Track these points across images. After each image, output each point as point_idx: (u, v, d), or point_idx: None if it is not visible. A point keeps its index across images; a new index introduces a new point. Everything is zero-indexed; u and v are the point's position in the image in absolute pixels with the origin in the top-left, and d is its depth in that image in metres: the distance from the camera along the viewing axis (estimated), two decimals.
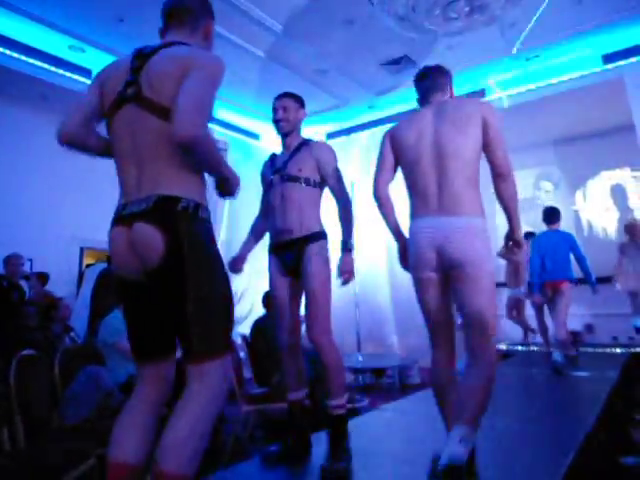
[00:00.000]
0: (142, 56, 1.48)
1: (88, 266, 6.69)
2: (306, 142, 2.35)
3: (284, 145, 2.41)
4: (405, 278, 7.62)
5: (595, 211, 7.65)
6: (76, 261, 6.86)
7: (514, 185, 1.94)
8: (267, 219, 2.44)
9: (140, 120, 1.37)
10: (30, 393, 2.51)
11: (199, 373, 1.31)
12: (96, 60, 5.86)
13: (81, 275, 6.59)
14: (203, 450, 1.29)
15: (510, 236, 1.97)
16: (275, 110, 2.36)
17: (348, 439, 2.03)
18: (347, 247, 2.13)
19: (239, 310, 7.38)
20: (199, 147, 1.28)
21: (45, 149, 6.34)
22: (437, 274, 1.86)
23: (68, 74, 5.75)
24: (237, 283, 7.55)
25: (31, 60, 5.42)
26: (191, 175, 1.40)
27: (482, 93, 6.79)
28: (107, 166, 6.65)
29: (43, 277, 5.38)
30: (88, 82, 5.98)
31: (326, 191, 2.33)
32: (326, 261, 2.19)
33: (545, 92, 6.33)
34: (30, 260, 5.24)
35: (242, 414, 3.46)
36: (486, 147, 1.90)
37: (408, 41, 5.44)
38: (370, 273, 7.19)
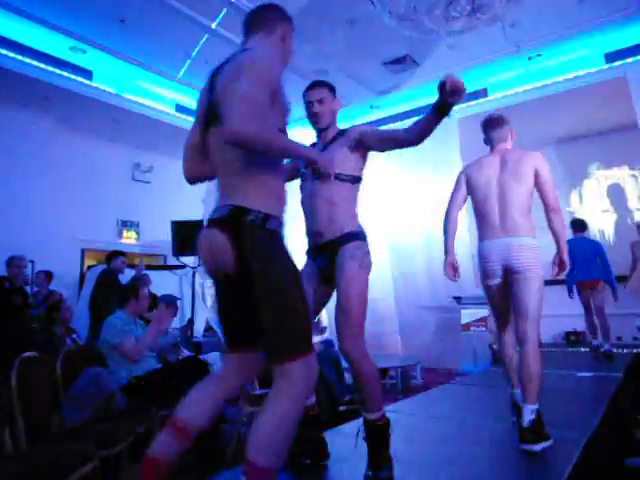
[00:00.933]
0: (215, 73, 1.59)
1: (89, 268, 6.70)
2: (343, 131, 2.14)
3: (318, 139, 2.20)
4: (408, 280, 7.65)
5: (599, 210, 7.62)
6: (77, 263, 6.87)
7: (563, 218, 2.50)
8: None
9: (219, 135, 1.45)
10: (32, 395, 2.50)
11: (281, 373, 1.39)
12: (97, 61, 5.87)
13: (82, 277, 6.59)
14: (288, 447, 1.36)
15: (560, 256, 2.48)
16: (310, 104, 2.12)
17: (389, 448, 1.85)
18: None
19: None
20: (250, 144, 1.32)
21: (47, 151, 6.37)
22: (502, 280, 2.48)
23: (69, 75, 5.76)
24: None
25: (32, 62, 5.43)
26: (263, 186, 1.47)
27: (484, 92, 6.77)
28: (107, 169, 6.68)
29: (49, 275, 5.40)
30: (89, 83, 6.00)
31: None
32: (362, 264, 1.92)
33: (547, 91, 6.30)
34: (32, 262, 5.24)
35: (245, 415, 3.45)
36: (539, 189, 2.48)
37: (410, 40, 5.42)
38: (373, 274, 7.16)
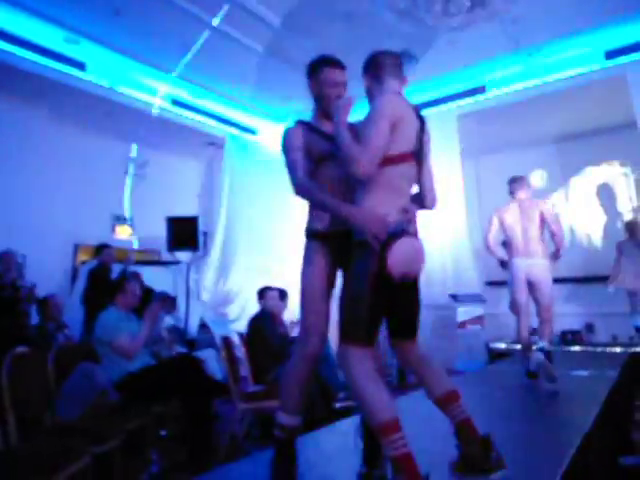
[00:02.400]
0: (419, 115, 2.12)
1: (82, 263, 6.65)
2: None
3: (320, 121, 2.04)
4: None
5: (595, 208, 7.63)
6: (70, 258, 6.81)
7: (562, 236, 4.03)
8: None
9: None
10: (23, 390, 2.47)
11: None
12: (91, 53, 5.79)
13: (75, 272, 6.54)
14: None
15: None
16: (339, 86, 2.02)
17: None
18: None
19: (234, 308, 7.35)
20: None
21: (39, 144, 6.30)
22: (526, 286, 3.91)
23: (61, 67, 5.66)
24: (232, 281, 7.52)
25: (25, 53, 5.35)
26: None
27: (483, 89, 6.75)
28: (101, 163, 6.60)
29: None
30: (82, 76, 5.92)
31: None
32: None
33: (546, 89, 6.28)
34: (24, 256, 5.18)
35: (238, 412, 3.43)
36: (548, 226, 3.95)
37: (409, 36, 5.40)
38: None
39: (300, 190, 1.82)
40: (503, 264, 4.13)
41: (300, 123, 2.02)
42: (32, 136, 6.13)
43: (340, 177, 1.86)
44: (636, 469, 2.57)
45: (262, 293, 4.49)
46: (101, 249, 5.34)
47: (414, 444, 1.82)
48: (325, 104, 1.98)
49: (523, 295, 3.91)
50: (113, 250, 5.45)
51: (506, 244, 4.11)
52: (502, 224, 4.07)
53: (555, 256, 3.92)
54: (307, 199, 1.83)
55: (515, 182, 4.17)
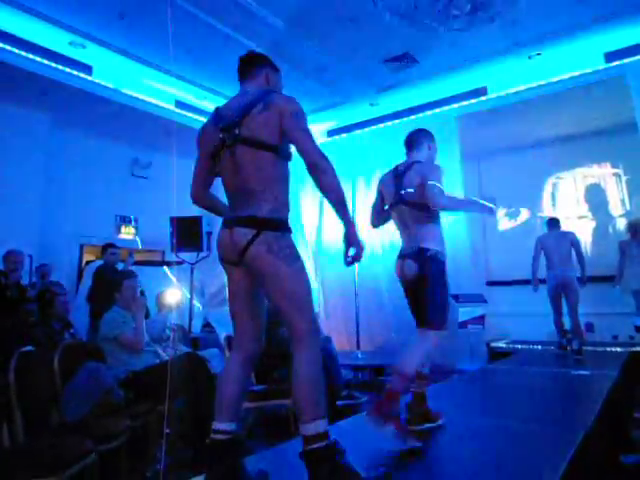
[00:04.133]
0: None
1: (88, 263, 6.70)
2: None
3: None
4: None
5: (596, 208, 7.64)
6: (76, 258, 6.87)
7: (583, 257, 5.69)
8: None
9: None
10: (30, 389, 2.50)
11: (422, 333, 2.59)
12: (97, 56, 5.84)
13: (81, 272, 6.59)
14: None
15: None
16: None
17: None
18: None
19: None
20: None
21: (45, 146, 6.36)
22: (558, 292, 5.44)
23: (68, 70, 5.73)
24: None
25: (31, 56, 5.41)
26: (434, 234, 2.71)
27: (484, 91, 6.77)
28: (106, 164, 6.65)
29: (45, 272, 5.38)
30: (89, 78, 5.97)
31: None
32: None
33: (547, 90, 6.30)
34: (30, 256, 5.23)
35: (241, 411, 3.45)
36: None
37: (410, 38, 5.42)
38: (369, 273, 7.19)
39: (336, 179, 1.71)
40: (534, 280, 5.74)
41: None
42: (38, 137, 6.18)
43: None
44: (637, 467, 2.59)
45: None
46: (106, 249, 5.38)
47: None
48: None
49: (558, 299, 5.66)
50: (118, 250, 5.49)
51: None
52: (542, 249, 5.71)
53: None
54: (338, 190, 1.71)
55: (554, 222, 5.82)
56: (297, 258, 1.75)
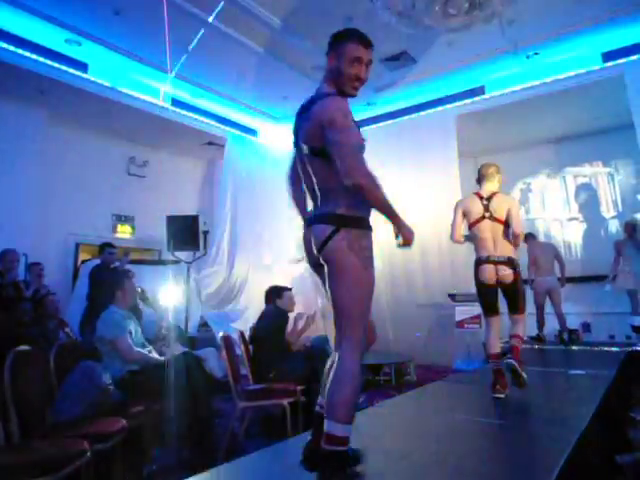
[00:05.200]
0: None
1: (83, 262, 6.67)
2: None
3: None
4: (402, 279, 7.65)
5: (592, 207, 7.66)
6: (71, 257, 6.84)
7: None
8: None
9: None
10: (25, 389, 2.49)
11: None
12: (93, 54, 5.82)
13: (76, 271, 6.57)
14: None
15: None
16: (361, 64, 1.82)
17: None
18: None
19: (234, 307, 7.37)
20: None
21: (41, 144, 6.32)
22: (545, 294, 5.94)
23: (64, 67, 5.71)
24: (232, 280, 7.53)
25: (27, 53, 5.38)
26: None
27: (482, 90, 6.77)
28: (102, 163, 6.62)
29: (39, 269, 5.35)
30: (85, 76, 5.95)
31: None
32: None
33: (544, 90, 6.31)
34: (25, 255, 5.20)
35: (238, 410, 3.45)
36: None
37: (408, 37, 5.41)
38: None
39: (369, 178, 1.65)
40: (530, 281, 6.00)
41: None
42: (34, 135, 6.15)
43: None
44: (632, 467, 2.59)
45: (279, 293, 4.47)
46: (104, 248, 5.35)
47: (412, 441, 1.85)
48: (341, 81, 1.82)
49: (542, 296, 6.07)
50: (116, 250, 5.44)
51: None
52: (533, 254, 6.12)
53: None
54: (369, 190, 1.66)
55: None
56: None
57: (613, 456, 2.61)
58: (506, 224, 3.32)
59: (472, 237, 3.47)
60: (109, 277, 4.89)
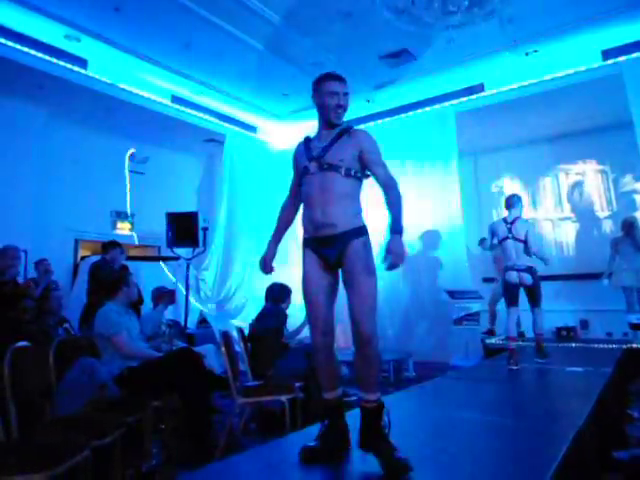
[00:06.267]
0: None
1: (83, 258, 6.67)
2: (347, 129, 2.17)
3: (321, 130, 2.24)
4: (401, 276, 7.66)
5: (590, 205, 7.67)
6: (71, 253, 6.84)
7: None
8: (296, 209, 2.35)
9: None
10: (24, 385, 2.49)
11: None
12: (92, 50, 5.81)
13: (76, 267, 6.57)
14: None
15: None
16: (337, 96, 2.14)
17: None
18: (396, 229, 2.01)
19: (233, 303, 7.39)
20: None
21: (40, 140, 6.32)
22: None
23: (63, 64, 5.69)
24: (231, 277, 7.54)
25: (26, 49, 5.37)
26: None
27: (481, 87, 6.76)
28: (102, 159, 6.60)
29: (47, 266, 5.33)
30: (84, 72, 5.93)
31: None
32: (371, 256, 2.09)
33: (543, 87, 6.30)
34: (25, 251, 5.20)
35: (237, 406, 3.46)
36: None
37: (407, 34, 5.40)
38: None
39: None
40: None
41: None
42: (34, 131, 6.15)
43: (326, 186, 2.08)
44: (629, 463, 2.61)
45: (284, 297, 4.51)
46: (111, 247, 5.27)
47: (410, 437, 1.87)
48: (326, 113, 2.18)
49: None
50: (121, 249, 5.37)
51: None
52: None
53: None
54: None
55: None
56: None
57: (610, 452, 2.63)
58: (525, 242, 4.56)
59: (501, 250, 4.81)
60: (110, 273, 4.89)
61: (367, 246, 2.08)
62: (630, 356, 5.08)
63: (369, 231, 2.13)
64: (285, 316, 4.40)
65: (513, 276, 4.58)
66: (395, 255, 1.96)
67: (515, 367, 4.25)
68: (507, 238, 4.66)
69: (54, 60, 5.61)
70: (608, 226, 7.40)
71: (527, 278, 4.53)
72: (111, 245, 5.27)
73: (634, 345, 5.48)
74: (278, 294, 4.49)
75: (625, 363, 4.69)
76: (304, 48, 5.81)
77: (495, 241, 4.80)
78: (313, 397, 3.95)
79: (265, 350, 4.12)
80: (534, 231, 4.76)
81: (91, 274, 5.14)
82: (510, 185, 8.24)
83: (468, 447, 2.16)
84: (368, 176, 2.16)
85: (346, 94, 2.16)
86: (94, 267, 5.14)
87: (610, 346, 5.56)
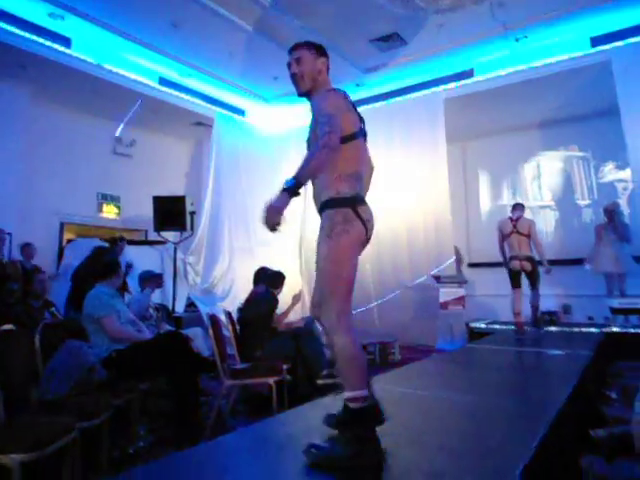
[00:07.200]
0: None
1: (69, 241, 6.61)
2: (311, 98, 2.02)
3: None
4: (388, 260, 7.70)
5: (575, 192, 7.76)
6: (56, 236, 6.77)
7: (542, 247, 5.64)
8: None
9: None
10: (10, 367, 2.49)
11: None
12: (76, 29, 5.67)
13: (61, 250, 6.51)
14: None
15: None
16: (288, 65, 2.02)
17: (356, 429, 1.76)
18: (285, 186, 1.72)
19: (221, 287, 7.39)
20: None
21: (24, 121, 6.20)
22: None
23: (46, 42, 5.56)
24: (219, 260, 7.53)
25: (8, 27, 5.23)
26: None
27: (470, 73, 6.75)
28: (88, 142, 6.51)
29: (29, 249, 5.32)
30: (68, 51, 5.80)
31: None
32: (329, 234, 1.80)
33: (532, 74, 6.31)
34: (9, 234, 5.14)
35: (224, 388, 3.49)
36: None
37: (398, 18, 5.37)
38: None
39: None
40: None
41: None
42: (16, 112, 6.02)
43: None
44: (605, 441, 2.69)
45: (277, 282, 4.56)
46: (121, 240, 5.57)
47: (395, 418, 1.90)
48: None
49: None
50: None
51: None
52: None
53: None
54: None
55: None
56: None
57: (588, 431, 2.71)
58: (527, 236, 5.50)
59: (508, 243, 5.63)
60: (110, 260, 4.86)
61: (327, 221, 1.83)
62: (609, 339, 5.21)
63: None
64: (277, 302, 4.44)
65: (516, 264, 5.47)
66: (266, 209, 1.69)
67: (522, 335, 5.33)
68: (512, 233, 5.54)
69: (37, 38, 5.47)
70: (589, 214, 7.53)
71: (527, 265, 5.44)
72: (121, 240, 5.61)
73: (613, 329, 5.62)
74: (272, 280, 4.53)
75: (604, 346, 4.80)
76: (294, 30, 5.74)
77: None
78: (300, 379, 4.01)
79: (254, 333, 4.16)
80: (535, 227, 5.61)
81: (91, 258, 5.09)
82: (496, 172, 8.31)
83: (451, 426, 2.22)
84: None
85: (298, 59, 1.99)
86: (96, 252, 5.12)
87: (591, 330, 5.69)
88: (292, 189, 1.70)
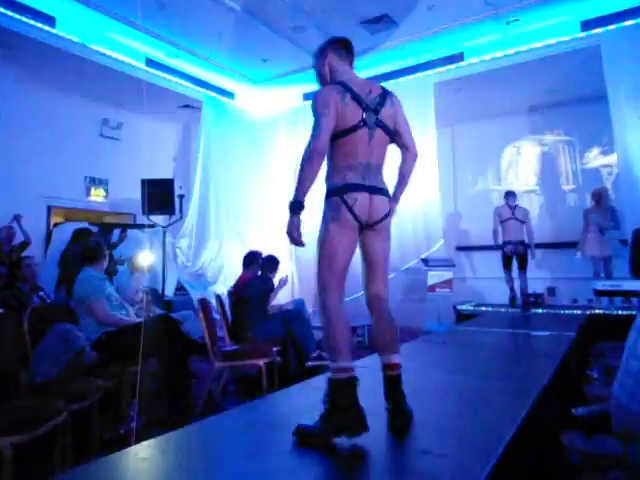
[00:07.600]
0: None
1: (56, 225, 6.54)
2: None
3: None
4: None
5: (563, 176, 7.82)
6: (43, 220, 6.69)
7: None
8: None
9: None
10: None
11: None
12: (61, 6, 5.53)
13: (49, 234, 6.45)
14: None
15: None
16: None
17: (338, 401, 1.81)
18: (289, 206, 1.89)
19: (210, 271, 7.39)
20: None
21: (8, 102, 6.07)
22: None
23: (30, 21, 5.41)
24: (208, 244, 7.52)
25: None
26: None
27: (461, 57, 6.72)
28: (74, 124, 6.43)
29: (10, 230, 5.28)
30: (53, 31, 5.66)
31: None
32: (322, 221, 1.98)
33: (523, 58, 6.29)
34: None
35: (215, 370, 3.53)
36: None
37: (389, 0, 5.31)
38: None
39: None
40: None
41: None
42: (2, 92, 5.89)
43: None
44: (586, 418, 2.77)
45: (274, 266, 4.67)
46: (124, 230, 5.83)
47: (382, 399, 1.94)
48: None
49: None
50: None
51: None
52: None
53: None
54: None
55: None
56: None
57: (569, 409, 2.78)
58: (522, 222, 6.05)
59: (503, 228, 6.13)
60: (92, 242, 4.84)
61: (324, 210, 1.99)
62: (592, 321, 5.32)
63: None
64: (273, 285, 4.51)
65: (510, 248, 6.02)
66: (287, 234, 1.89)
67: (527, 312, 5.99)
68: (510, 219, 6.07)
69: (19, 17, 5.32)
70: (573, 198, 7.63)
71: (521, 249, 6.00)
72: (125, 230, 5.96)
73: (596, 310, 5.74)
74: (269, 264, 4.60)
75: (587, 327, 4.91)
76: (283, 10, 5.66)
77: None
78: (291, 361, 4.06)
79: (246, 316, 4.21)
80: (529, 215, 6.21)
81: (78, 239, 5.03)
82: (485, 155, 8.33)
83: (436, 406, 2.27)
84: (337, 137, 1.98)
85: (315, 72, 2.40)
86: (82, 233, 5.07)
87: (575, 312, 5.80)
88: (295, 209, 1.87)
